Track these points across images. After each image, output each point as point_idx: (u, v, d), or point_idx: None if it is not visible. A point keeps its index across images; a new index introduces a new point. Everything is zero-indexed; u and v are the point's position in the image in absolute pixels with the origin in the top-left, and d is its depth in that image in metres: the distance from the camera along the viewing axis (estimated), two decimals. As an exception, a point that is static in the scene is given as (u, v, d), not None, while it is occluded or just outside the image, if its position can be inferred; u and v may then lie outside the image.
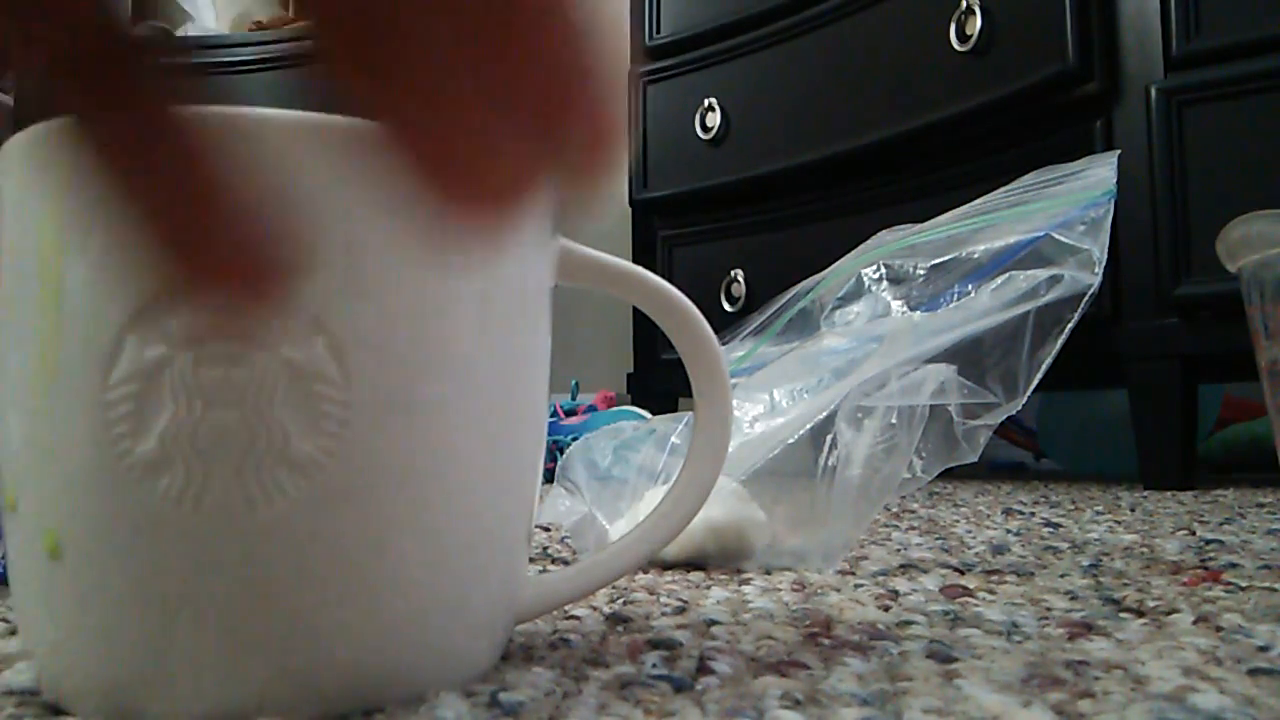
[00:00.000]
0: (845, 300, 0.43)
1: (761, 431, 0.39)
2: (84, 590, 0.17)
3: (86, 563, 0.17)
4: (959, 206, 0.42)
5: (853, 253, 0.45)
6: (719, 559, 0.37)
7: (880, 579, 0.34)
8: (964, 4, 0.99)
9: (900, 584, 0.32)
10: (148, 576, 0.17)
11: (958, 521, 0.56)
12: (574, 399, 1.30)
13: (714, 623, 0.26)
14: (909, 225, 0.44)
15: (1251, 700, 0.18)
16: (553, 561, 0.40)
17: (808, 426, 0.37)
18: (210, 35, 1.80)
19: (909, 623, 0.26)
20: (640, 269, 0.23)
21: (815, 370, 0.40)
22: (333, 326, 0.17)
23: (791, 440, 0.37)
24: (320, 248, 0.17)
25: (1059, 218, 0.37)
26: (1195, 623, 0.25)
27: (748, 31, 1.24)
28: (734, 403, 0.32)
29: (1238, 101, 0.84)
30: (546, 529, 0.51)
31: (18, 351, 0.18)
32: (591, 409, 1.23)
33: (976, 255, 0.39)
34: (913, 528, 0.52)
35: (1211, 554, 0.40)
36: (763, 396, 0.41)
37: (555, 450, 0.97)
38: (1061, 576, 0.34)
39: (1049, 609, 0.28)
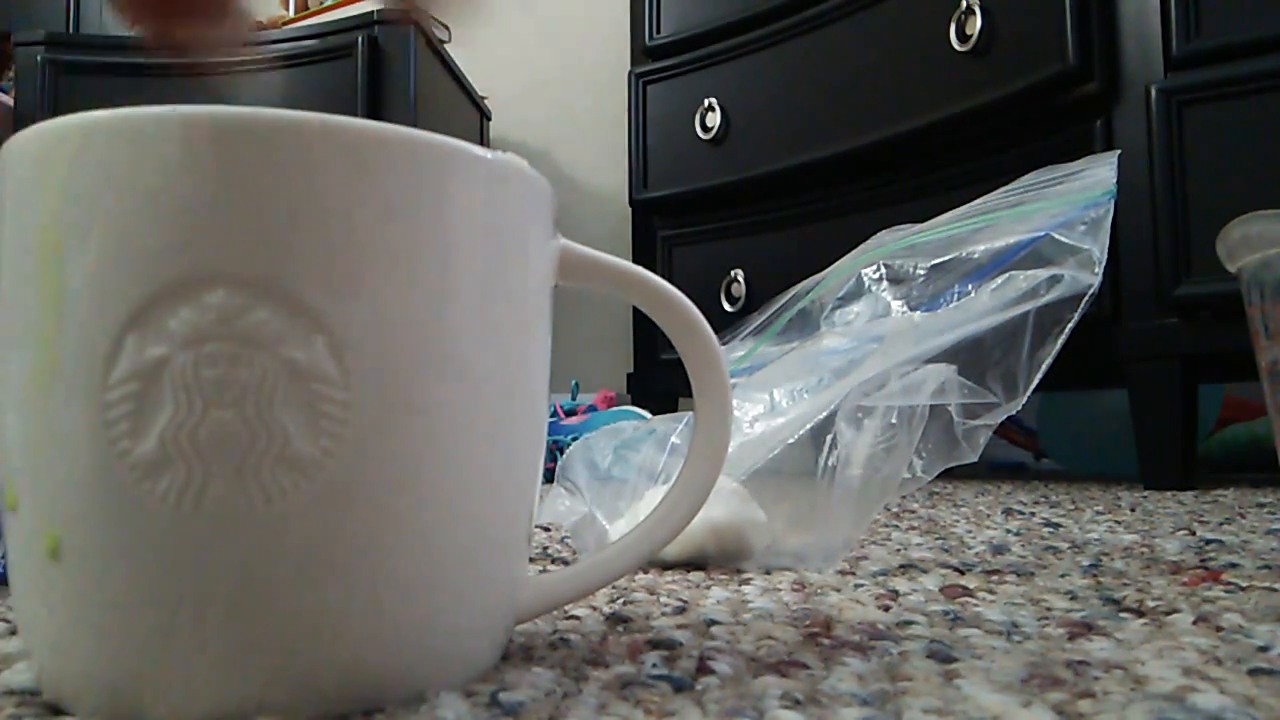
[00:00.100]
0: (845, 300, 0.43)
1: (761, 431, 0.39)
2: (84, 590, 0.17)
3: (86, 563, 0.17)
4: (959, 206, 0.42)
5: (853, 253, 0.45)
6: (719, 559, 0.37)
7: (880, 579, 0.34)
8: (964, 4, 0.99)
9: (900, 584, 0.32)
10: (147, 577, 0.17)
11: (958, 521, 0.56)
12: (574, 399, 1.30)
13: (714, 623, 0.26)
14: (909, 225, 0.44)
15: (1251, 700, 0.18)
16: (553, 561, 0.40)
17: (808, 426, 0.37)
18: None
19: (909, 623, 0.26)
20: (640, 269, 0.23)
21: (815, 370, 0.40)
22: (333, 326, 0.17)
23: (791, 440, 0.37)
24: (321, 248, 0.17)
25: (1059, 218, 0.37)
26: (1195, 623, 0.25)
27: (748, 31, 1.24)
28: (734, 403, 0.32)
29: (1238, 101, 0.84)
30: (546, 529, 0.51)
31: (18, 351, 0.18)
32: (591, 409, 1.23)
33: (976, 255, 0.39)
34: (913, 528, 0.52)
35: (1211, 554, 0.40)
36: (763, 396, 0.41)
37: (555, 450, 0.97)
38: (1061, 576, 0.34)
39: (1049, 609, 0.28)
